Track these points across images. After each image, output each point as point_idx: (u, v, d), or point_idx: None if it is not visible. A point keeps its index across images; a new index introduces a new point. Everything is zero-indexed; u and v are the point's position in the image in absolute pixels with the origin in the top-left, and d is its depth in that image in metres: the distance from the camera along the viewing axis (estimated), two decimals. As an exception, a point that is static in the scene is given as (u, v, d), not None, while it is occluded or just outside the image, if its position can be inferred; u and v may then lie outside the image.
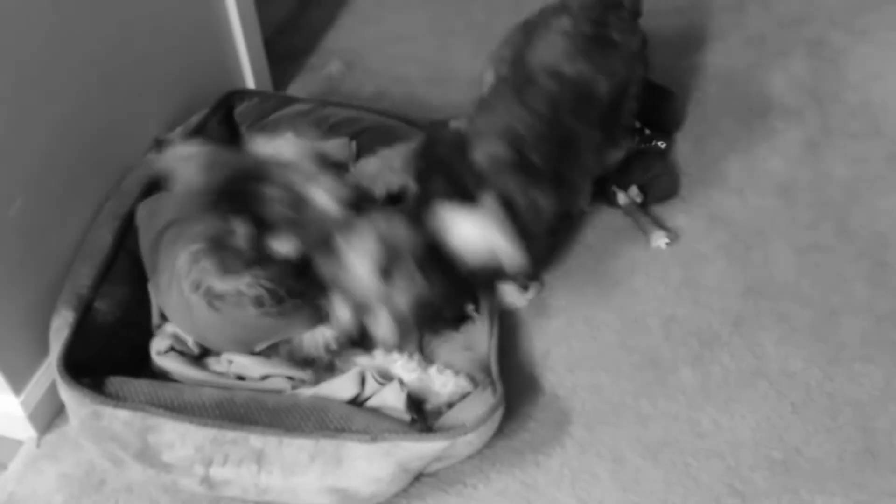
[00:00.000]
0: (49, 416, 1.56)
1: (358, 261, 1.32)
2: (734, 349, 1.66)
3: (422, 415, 1.46)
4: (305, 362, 1.52)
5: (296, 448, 1.33)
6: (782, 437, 1.53)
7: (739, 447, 1.52)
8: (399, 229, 1.36)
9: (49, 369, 1.49)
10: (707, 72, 2.28)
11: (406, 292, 1.37)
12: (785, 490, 1.45)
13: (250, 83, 2.14)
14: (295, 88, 2.33)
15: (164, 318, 1.57)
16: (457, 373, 1.49)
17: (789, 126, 2.14)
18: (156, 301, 1.56)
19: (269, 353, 1.55)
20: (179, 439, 1.33)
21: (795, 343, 1.67)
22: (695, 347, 1.67)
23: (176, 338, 1.54)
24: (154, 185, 1.65)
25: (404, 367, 1.49)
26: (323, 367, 1.53)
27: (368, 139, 1.89)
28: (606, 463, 1.50)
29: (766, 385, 1.61)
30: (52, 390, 1.48)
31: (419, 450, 1.33)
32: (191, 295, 1.41)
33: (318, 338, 1.50)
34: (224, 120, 1.87)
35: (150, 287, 1.57)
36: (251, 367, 1.54)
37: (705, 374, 1.63)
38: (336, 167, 1.87)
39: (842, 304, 1.73)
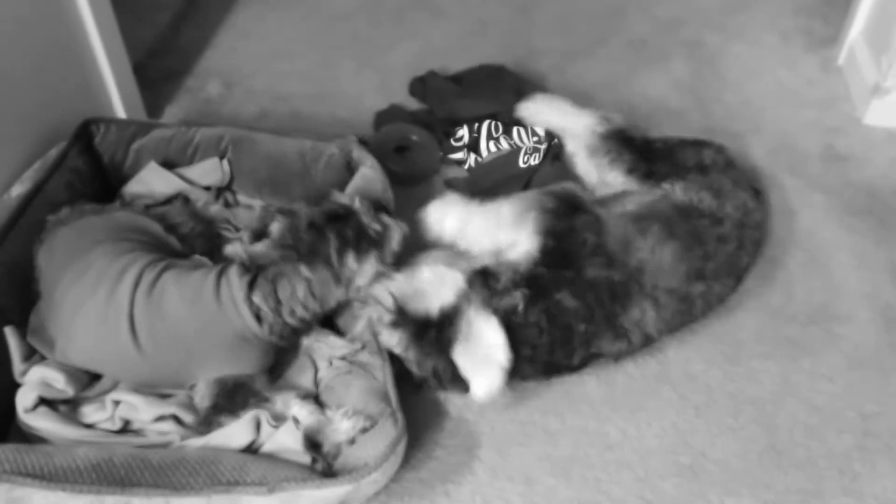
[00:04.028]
0: None
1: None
2: (637, 356, 1.65)
3: (321, 453, 1.37)
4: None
5: (185, 507, 1.23)
6: (688, 441, 1.53)
7: (648, 456, 1.51)
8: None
9: None
10: (591, 77, 2.29)
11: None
12: (693, 496, 1.45)
13: (120, 110, 2.00)
14: (171, 113, 2.20)
15: (29, 359, 1.44)
16: (354, 412, 1.41)
17: (673, 127, 2.16)
18: (24, 340, 1.44)
19: (167, 392, 1.47)
20: (51, 510, 1.21)
21: (695, 345, 1.68)
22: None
23: (44, 384, 1.42)
24: (11, 229, 1.51)
25: (301, 410, 1.41)
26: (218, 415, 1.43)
27: (236, 156, 1.81)
28: (518, 486, 1.46)
29: (669, 390, 1.61)
30: None
31: (321, 497, 1.25)
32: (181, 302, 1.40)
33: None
34: (85, 151, 1.73)
35: (32, 318, 1.46)
36: (143, 408, 1.43)
37: (610, 384, 1.61)
38: (207, 190, 1.79)
39: (735, 300, 1.75)
